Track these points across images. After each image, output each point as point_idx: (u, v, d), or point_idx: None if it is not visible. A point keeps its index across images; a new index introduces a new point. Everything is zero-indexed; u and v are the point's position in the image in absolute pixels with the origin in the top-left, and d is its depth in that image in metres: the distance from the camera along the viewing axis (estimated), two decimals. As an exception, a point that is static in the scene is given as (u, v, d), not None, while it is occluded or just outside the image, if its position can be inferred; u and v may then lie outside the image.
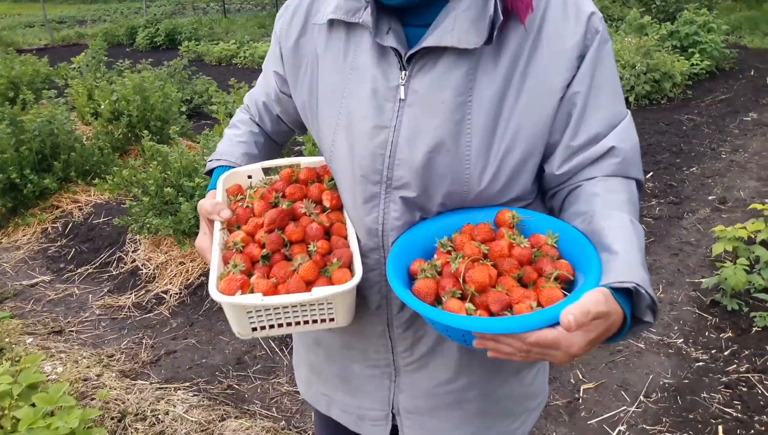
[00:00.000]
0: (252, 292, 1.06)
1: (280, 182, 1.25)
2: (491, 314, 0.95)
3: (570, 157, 1.07)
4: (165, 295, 3.72)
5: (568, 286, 1.00)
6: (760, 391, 2.66)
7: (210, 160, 1.35)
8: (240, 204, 1.22)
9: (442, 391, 1.23)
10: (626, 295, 0.91)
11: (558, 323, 0.86)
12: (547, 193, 1.17)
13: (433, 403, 1.24)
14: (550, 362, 1.13)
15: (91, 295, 3.85)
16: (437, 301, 1.01)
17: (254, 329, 1.09)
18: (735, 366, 2.86)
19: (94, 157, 4.92)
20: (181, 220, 3.61)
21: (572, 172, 1.08)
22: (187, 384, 2.99)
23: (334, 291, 1.03)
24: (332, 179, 1.23)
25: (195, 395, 2.88)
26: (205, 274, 3.77)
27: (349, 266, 1.11)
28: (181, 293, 3.72)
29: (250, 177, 1.30)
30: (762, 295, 3.21)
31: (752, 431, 2.40)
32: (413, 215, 1.11)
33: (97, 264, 4.16)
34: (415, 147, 1.05)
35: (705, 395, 2.68)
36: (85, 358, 3.18)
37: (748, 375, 2.78)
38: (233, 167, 1.31)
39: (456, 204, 1.10)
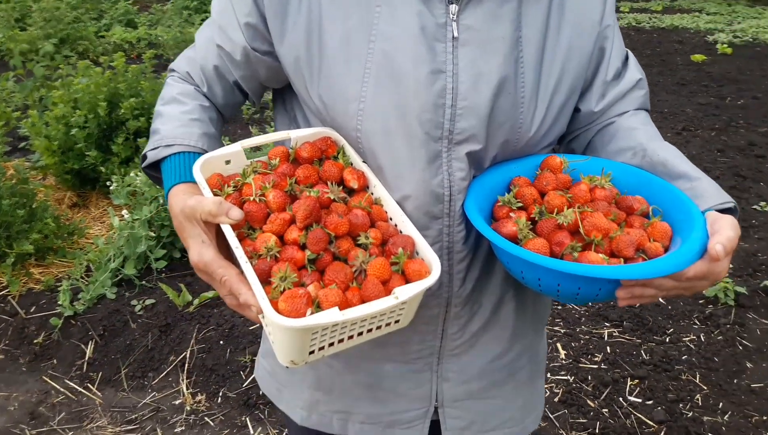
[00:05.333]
0: (319, 307, 0.84)
1: (284, 165, 1.00)
2: (626, 260, 0.91)
3: (605, 93, 1.07)
4: None
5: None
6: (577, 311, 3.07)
7: (155, 148, 1.01)
8: (244, 197, 0.95)
9: (496, 366, 1.13)
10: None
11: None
12: (566, 137, 1.14)
13: (486, 382, 1.14)
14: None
15: None
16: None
17: (311, 353, 0.87)
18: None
19: None
20: None
21: (606, 108, 1.07)
22: (-27, 464, 2.29)
23: (424, 286, 0.86)
24: (340, 153, 1.02)
25: (-7, 474, 2.23)
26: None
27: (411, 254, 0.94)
28: None
29: (227, 162, 1.01)
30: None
31: (580, 341, 2.76)
32: (472, 174, 1.00)
33: None
34: (480, 91, 0.93)
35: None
36: None
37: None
38: (195, 154, 1.01)
39: (505, 156, 1.02)
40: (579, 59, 1.01)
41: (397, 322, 0.92)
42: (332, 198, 0.96)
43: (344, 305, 0.83)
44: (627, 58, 1.08)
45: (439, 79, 0.92)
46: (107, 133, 3.70)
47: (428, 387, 1.12)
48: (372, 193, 1.00)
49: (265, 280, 0.85)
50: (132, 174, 3.31)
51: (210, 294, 3.02)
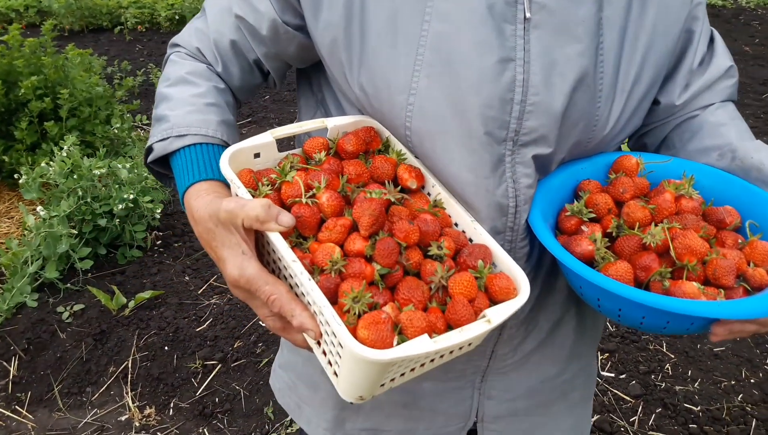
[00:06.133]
0: (401, 334, 0.70)
1: (331, 160, 0.84)
2: (725, 289, 0.77)
3: (690, 82, 0.92)
4: None
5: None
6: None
7: (164, 139, 0.83)
8: (289, 199, 0.78)
9: (548, 387, 1.02)
10: None
11: None
12: (638, 130, 0.99)
13: (534, 401, 1.02)
14: None
15: None
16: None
17: (381, 385, 0.74)
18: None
19: None
20: None
21: (690, 100, 0.93)
22: None
23: (516, 307, 0.73)
24: (390, 148, 0.85)
25: None
26: None
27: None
28: None
29: (256, 155, 0.84)
30: None
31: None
32: (537, 180, 0.84)
33: None
34: (553, 85, 0.77)
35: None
36: None
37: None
38: (213, 145, 0.84)
39: (572, 157, 0.87)
40: (664, 44, 0.85)
41: (469, 344, 0.79)
42: (391, 200, 0.80)
43: (431, 331, 0.69)
44: (713, 39, 0.93)
45: (507, 70, 0.75)
46: (6, 117, 3.27)
47: (469, 404, 1.00)
48: (429, 194, 0.85)
49: (331, 300, 0.70)
50: (43, 163, 2.92)
51: (147, 294, 2.74)
